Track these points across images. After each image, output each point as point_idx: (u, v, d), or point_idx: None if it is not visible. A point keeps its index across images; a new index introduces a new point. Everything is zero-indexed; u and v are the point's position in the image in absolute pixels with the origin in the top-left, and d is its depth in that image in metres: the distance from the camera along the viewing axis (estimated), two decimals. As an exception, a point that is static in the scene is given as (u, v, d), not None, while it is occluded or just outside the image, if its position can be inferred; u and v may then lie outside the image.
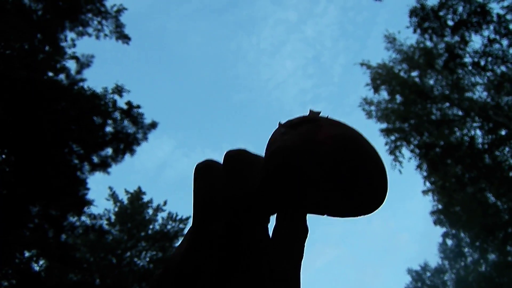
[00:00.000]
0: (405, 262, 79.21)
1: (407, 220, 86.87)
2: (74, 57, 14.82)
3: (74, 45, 15.17)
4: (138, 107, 15.11)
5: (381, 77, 18.81)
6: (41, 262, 14.53)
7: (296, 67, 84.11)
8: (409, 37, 16.62)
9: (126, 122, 15.16)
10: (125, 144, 15.19)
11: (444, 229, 21.85)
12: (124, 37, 15.98)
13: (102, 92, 14.59)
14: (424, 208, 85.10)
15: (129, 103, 15.02)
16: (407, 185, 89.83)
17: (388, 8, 77.25)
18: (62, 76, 14.59)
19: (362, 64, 19.55)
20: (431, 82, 18.12)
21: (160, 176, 74.56)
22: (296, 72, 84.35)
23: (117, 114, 14.86)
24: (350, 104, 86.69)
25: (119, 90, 14.88)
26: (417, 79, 18.35)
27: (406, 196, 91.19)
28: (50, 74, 13.96)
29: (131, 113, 14.98)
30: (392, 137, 18.39)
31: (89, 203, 14.39)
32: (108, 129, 14.99)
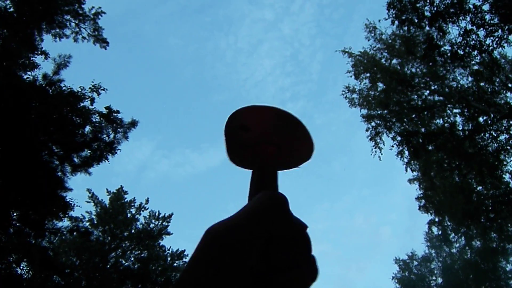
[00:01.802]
0: (388, 256, 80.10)
1: (388, 215, 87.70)
2: (43, 52, 14.50)
3: (42, 40, 14.84)
4: (118, 112, 14.95)
5: (362, 64, 18.96)
6: (23, 266, 14.31)
7: (274, 65, 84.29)
8: (390, 27, 16.65)
9: (106, 124, 15.00)
10: (106, 143, 15.01)
11: (429, 217, 22.01)
12: (102, 41, 15.79)
13: (80, 91, 14.38)
14: (404, 202, 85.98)
15: (108, 108, 14.84)
16: (388, 179, 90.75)
17: (364, 4, 77.83)
18: (39, 77, 14.35)
19: (344, 52, 19.77)
20: (412, 70, 18.28)
21: (140, 177, 74.09)
22: (274, 70, 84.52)
23: (96, 117, 14.69)
24: (329, 101, 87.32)
25: (96, 89, 14.69)
26: (398, 67, 18.50)
27: (387, 190, 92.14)
28: (22, 73, 13.71)
29: (111, 117, 14.80)
30: (373, 123, 18.61)
31: (70, 207, 14.17)
32: (88, 129, 14.83)
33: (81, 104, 14.47)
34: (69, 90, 14.09)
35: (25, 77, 13.56)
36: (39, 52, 14.42)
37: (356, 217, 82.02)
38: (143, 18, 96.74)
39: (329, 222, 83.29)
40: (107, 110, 14.77)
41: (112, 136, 14.94)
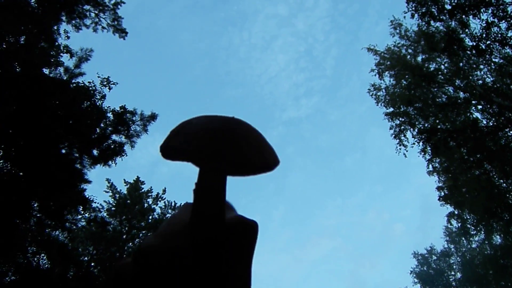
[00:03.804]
0: (400, 253, 79.49)
1: (401, 211, 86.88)
2: (68, 51, 14.69)
3: (68, 37, 15.05)
4: (133, 113, 15.09)
5: (387, 60, 18.83)
6: (41, 258, 14.59)
7: (288, 61, 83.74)
8: (414, 24, 16.49)
9: (126, 116, 15.17)
10: (125, 135, 15.17)
11: (446, 211, 21.67)
12: (121, 31, 15.86)
13: (90, 86, 14.56)
14: (417, 199, 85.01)
15: (123, 107, 14.98)
16: (401, 176, 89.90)
17: None
18: (61, 70, 14.55)
19: (369, 49, 19.73)
20: (435, 66, 18.03)
21: (153, 172, 74.90)
22: (288, 66, 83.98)
23: (110, 115, 14.87)
24: (343, 97, 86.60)
25: (107, 83, 14.84)
26: (422, 63, 18.29)
27: (400, 187, 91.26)
28: (46, 70, 13.91)
29: (124, 117, 14.94)
30: (397, 121, 18.49)
31: (89, 202, 14.42)
32: (107, 122, 14.99)
33: (96, 99, 14.68)
34: (81, 84, 14.27)
35: (46, 71, 13.72)
36: (62, 49, 14.62)
37: (369, 214, 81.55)
38: (157, 13, 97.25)
39: (342, 218, 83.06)
40: (121, 110, 14.90)
41: (132, 129, 15.10)
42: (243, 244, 0.90)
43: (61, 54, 14.66)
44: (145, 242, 0.87)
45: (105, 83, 14.80)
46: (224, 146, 0.79)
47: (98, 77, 14.82)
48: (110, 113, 14.80)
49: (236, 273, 0.85)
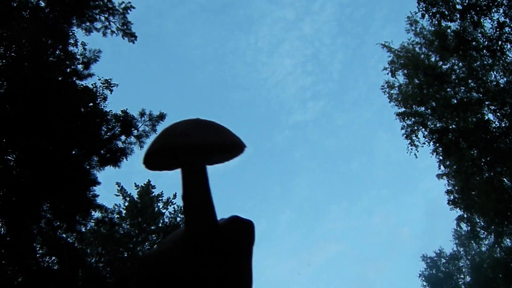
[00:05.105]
0: (406, 257, 79.18)
1: (407, 215, 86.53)
2: (84, 62, 14.84)
3: (84, 49, 15.16)
4: (133, 118, 15.19)
5: (400, 59, 18.82)
6: (51, 259, 14.61)
7: (294, 64, 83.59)
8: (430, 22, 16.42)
9: (136, 115, 15.32)
10: (135, 136, 15.26)
11: (454, 214, 21.60)
12: (130, 35, 15.92)
13: (92, 88, 14.70)
14: (424, 204, 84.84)
15: (125, 112, 15.09)
16: (407, 180, 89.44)
17: (386, 3, 76.41)
18: (68, 71, 14.64)
19: (383, 46, 19.69)
20: (449, 66, 17.97)
21: (159, 175, 74.85)
22: (295, 69, 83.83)
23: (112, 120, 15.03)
24: (350, 101, 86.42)
25: (108, 85, 14.96)
26: (436, 63, 18.23)
27: (406, 191, 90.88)
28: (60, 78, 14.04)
29: (126, 119, 15.05)
30: (409, 121, 18.43)
31: (94, 204, 14.54)
32: (115, 124, 15.10)
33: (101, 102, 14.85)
34: (91, 87, 14.39)
35: (55, 72, 13.79)
36: (79, 62, 14.80)
37: (375, 217, 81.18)
38: (163, 17, 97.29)
39: (348, 222, 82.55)
40: (123, 114, 15.03)
41: (141, 129, 15.18)
42: (240, 243, 0.88)
43: (74, 57, 14.75)
44: (145, 254, 0.88)
45: (107, 85, 14.98)
46: (206, 133, 0.85)
47: (99, 79, 14.98)
48: (111, 116, 14.92)
49: (235, 273, 0.86)
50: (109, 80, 15.10)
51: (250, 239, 0.93)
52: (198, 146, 0.82)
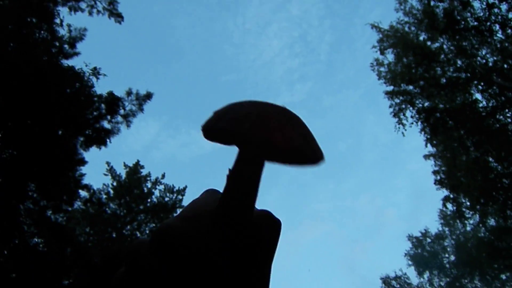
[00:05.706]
0: (392, 238, 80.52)
1: (393, 197, 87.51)
2: (69, 42, 14.49)
3: (70, 31, 14.81)
4: (119, 99, 15.00)
5: (390, 38, 18.77)
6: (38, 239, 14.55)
7: (282, 46, 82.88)
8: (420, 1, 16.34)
9: (123, 95, 15.12)
10: (121, 115, 15.11)
11: (439, 195, 21.88)
12: (117, 15, 15.52)
13: (80, 72, 14.41)
14: (410, 185, 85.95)
15: (111, 94, 14.87)
16: (394, 162, 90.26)
17: None
18: (53, 50, 14.33)
19: (372, 26, 19.60)
20: (438, 45, 17.95)
21: (147, 157, 74.34)
22: (282, 51, 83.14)
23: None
24: (337, 82, 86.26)
25: (96, 73, 14.69)
26: (428, 42, 18.20)
27: (393, 173, 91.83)
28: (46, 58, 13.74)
29: (112, 99, 14.84)
30: (397, 100, 18.45)
31: (86, 186, 14.46)
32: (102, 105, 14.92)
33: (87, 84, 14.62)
34: (78, 69, 14.14)
35: (41, 51, 13.52)
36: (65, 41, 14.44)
37: (362, 198, 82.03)
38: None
39: (334, 203, 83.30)
40: (109, 96, 14.82)
41: (128, 108, 15.01)
42: (269, 239, 0.86)
43: (59, 38, 14.42)
44: (165, 222, 0.85)
45: (93, 73, 14.72)
46: (275, 133, 0.78)
47: (86, 65, 14.66)
48: (96, 98, 14.73)
49: (258, 269, 0.86)
50: (97, 69, 14.78)
51: (278, 237, 0.95)
52: (281, 148, 0.77)
